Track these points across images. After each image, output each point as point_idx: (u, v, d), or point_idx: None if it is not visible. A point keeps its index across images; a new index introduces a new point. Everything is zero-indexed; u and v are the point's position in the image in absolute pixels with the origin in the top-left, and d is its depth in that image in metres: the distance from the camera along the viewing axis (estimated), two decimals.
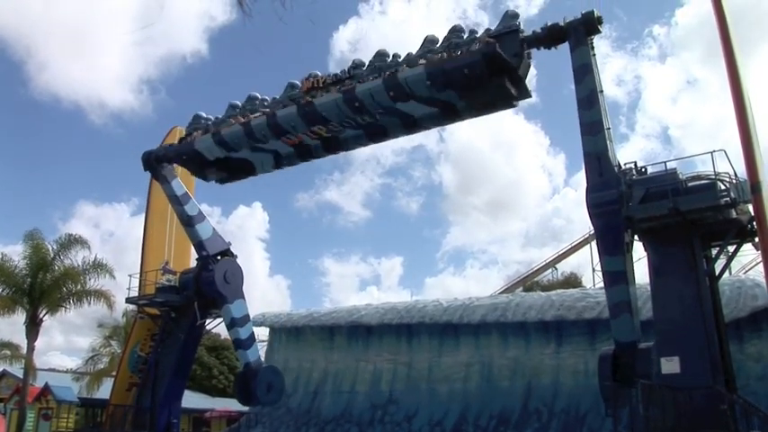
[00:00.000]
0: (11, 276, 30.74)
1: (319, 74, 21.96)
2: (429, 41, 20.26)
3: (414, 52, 20.24)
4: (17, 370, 36.76)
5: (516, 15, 19.28)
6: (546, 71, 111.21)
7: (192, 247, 26.62)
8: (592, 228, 19.18)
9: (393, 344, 31.17)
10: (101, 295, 31.65)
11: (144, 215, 30.23)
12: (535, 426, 25.39)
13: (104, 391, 33.36)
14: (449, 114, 20.78)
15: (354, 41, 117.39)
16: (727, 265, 18.02)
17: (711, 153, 17.24)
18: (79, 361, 44.35)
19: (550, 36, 18.73)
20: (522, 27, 18.88)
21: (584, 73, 18.07)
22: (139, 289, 27.54)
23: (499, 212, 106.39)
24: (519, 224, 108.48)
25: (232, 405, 44.96)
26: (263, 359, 38.52)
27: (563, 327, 26.49)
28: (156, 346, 26.93)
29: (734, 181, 16.81)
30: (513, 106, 20.40)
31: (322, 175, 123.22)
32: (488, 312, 28.44)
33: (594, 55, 18.35)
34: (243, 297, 24.90)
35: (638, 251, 18.53)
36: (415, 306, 31.62)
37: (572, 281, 50.79)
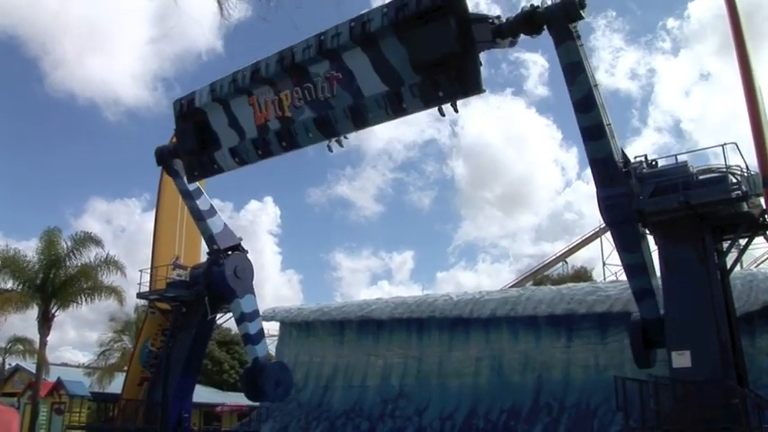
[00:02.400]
0: (24, 272, 30.95)
1: None
2: None
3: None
4: (30, 365, 37.09)
5: None
6: (558, 63, 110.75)
7: (203, 242, 26.70)
8: (603, 222, 19.15)
9: (403, 338, 31.18)
10: (112, 291, 31.86)
11: (154, 211, 30.35)
12: (546, 420, 25.36)
13: (116, 385, 33.57)
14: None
15: None
16: (738, 259, 17.95)
17: (723, 146, 17.13)
18: (91, 356, 44.57)
19: (526, 25, 16.22)
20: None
21: (576, 72, 16.57)
22: (150, 284, 27.65)
23: (511, 206, 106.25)
24: (531, 218, 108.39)
25: (243, 400, 45.04)
26: (273, 354, 38.70)
27: (573, 321, 26.42)
28: (166, 341, 27.02)
29: (745, 174, 16.72)
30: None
31: (334, 170, 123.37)
32: (498, 306, 28.39)
33: (582, 45, 16.60)
34: (253, 292, 24.96)
35: (650, 244, 18.49)
36: (425, 300, 31.60)
37: (582, 275, 50.63)
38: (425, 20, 15.02)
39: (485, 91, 15.90)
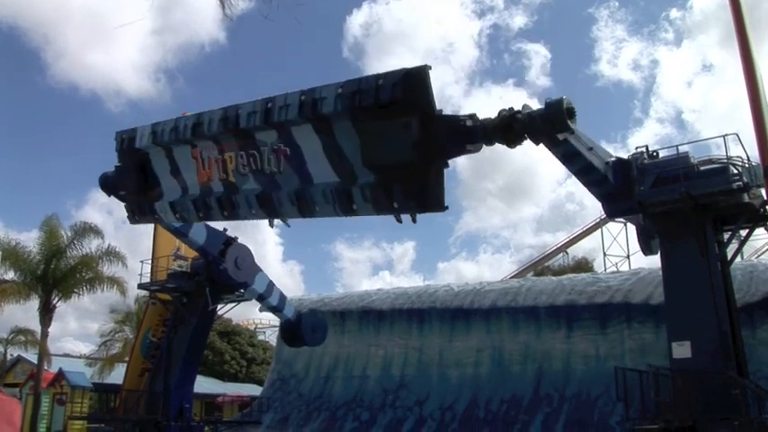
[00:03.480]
0: (25, 263, 30.96)
1: None
2: None
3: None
4: (32, 355, 37.16)
5: None
6: (560, 54, 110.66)
7: None
8: (603, 214, 19.13)
9: (404, 329, 31.23)
10: (113, 282, 31.88)
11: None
12: (546, 410, 25.42)
13: (117, 376, 33.64)
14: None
15: (367, 26, 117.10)
16: (739, 250, 17.98)
17: (724, 137, 17.13)
18: (93, 346, 44.68)
19: (504, 133, 15.11)
20: None
21: (572, 158, 16.33)
22: (151, 275, 27.62)
23: (513, 197, 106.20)
24: (532, 209, 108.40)
25: (244, 390, 45.37)
26: (274, 344, 38.80)
27: (574, 311, 26.45)
28: (168, 332, 27.04)
29: (746, 165, 16.72)
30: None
31: None
32: (499, 297, 28.44)
33: (574, 132, 15.90)
34: (259, 270, 25.04)
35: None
36: (426, 291, 31.65)
37: (583, 265, 50.70)
38: (383, 114, 13.45)
39: (447, 208, 14.71)
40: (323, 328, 25.90)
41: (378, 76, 11.38)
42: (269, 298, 25.05)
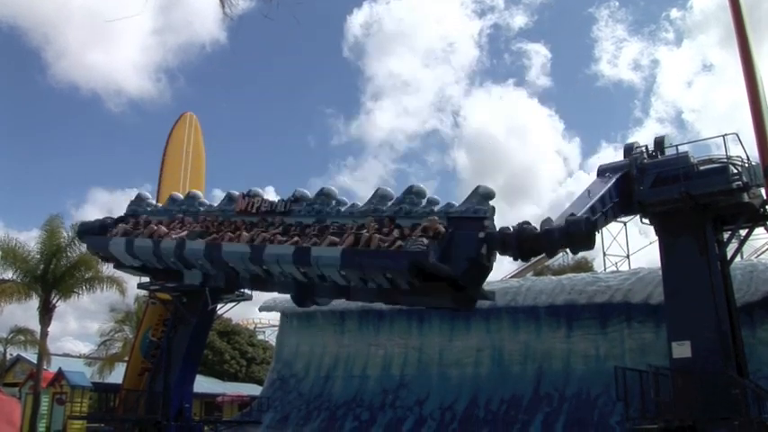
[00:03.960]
0: (25, 262, 30.96)
1: (261, 193, 19.70)
2: (379, 196, 17.15)
3: (361, 202, 17.55)
4: (31, 355, 37.15)
5: (489, 196, 15.82)
6: (560, 53, 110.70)
7: None
8: None
9: (404, 328, 31.20)
10: (113, 281, 31.88)
11: (155, 201, 30.30)
12: (546, 410, 25.42)
13: (117, 375, 33.65)
14: (384, 296, 16.83)
15: (368, 25, 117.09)
16: (738, 249, 17.98)
17: (723, 136, 17.13)
18: (93, 346, 44.66)
19: (522, 250, 15.13)
20: (490, 214, 15.49)
21: None
22: None
23: (513, 197, 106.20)
24: (533, 209, 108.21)
25: (244, 389, 45.39)
26: (274, 344, 38.74)
27: (574, 311, 26.43)
28: (167, 332, 27.06)
29: (746, 164, 16.72)
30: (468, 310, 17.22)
31: (335, 160, 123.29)
32: (499, 297, 28.20)
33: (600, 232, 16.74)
34: None
35: (650, 234, 18.52)
36: None
37: (583, 265, 50.59)
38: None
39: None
40: None
41: (383, 267, 14.88)
42: None
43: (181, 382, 25.87)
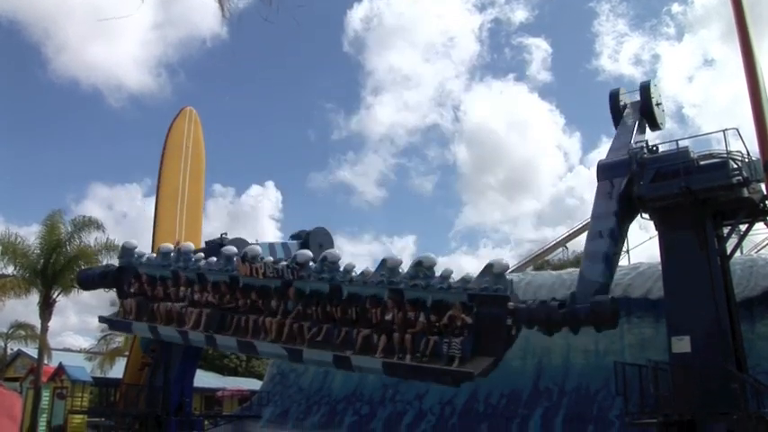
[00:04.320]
0: (25, 257, 30.97)
1: (258, 252, 20.38)
2: (389, 269, 17.79)
3: (370, 269, 18.36)
4: (32, 350, 37.20)
5: (504, 270, 16.75)
6: (561, 48, 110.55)
7: (203, 228, 26.75)
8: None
9: None
10: None
11: (155, 196, 30.35)
12: (545, 405, 25.49)
13: (118, 370, 33.70)
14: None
15: (368, 20, 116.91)
16: (738, 245, 17.94)
17: (724, 131, 17.10)
18: (93, 341, 44.77)
19: (549, 327, 16.25)
20: (510, 291, 16.29)
21: None
22: None
23: (513, 192, 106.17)
24: (533, 203, 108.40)
25: (244, 384, 45.43)
26: None
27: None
28: None
29: (746, 159, 16.69)
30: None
31: (336, 155, 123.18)
32: None
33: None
34: None
35: (650, 229, 18.53)
36: None
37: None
38: None
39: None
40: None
41: (430, 373, 16.56)
42: None
43: (181, 377, 25.90)
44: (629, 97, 22.00)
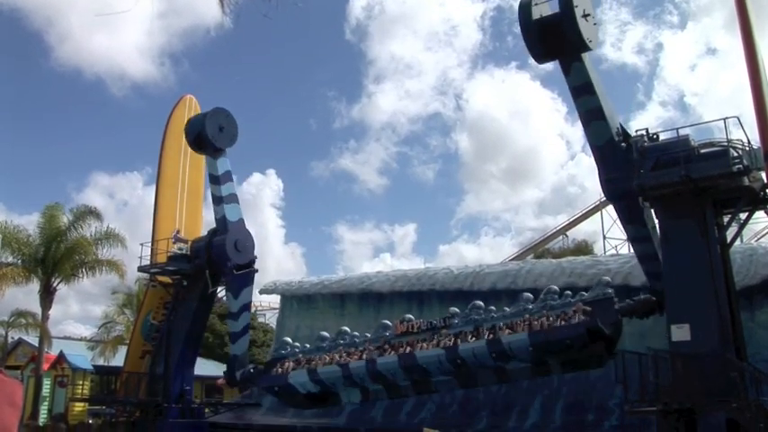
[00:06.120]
0: (26, 246, 31.00)
1: (412, 319, 22.94)
2: (524, 300, 21.10)
3: (507, 309, 21.45)
4: (33, 338, 37.24)
5: (608, 283, 20.09)
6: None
7: (204, 216, 26.77)
8: (603, 196, 19.21)
9: (404, 311, 31.04)
10: (112, 265, 31.92)
11: (155, 184, 30.33)
12: (545, 392, 25.52)
13: (119, 358, 33.76)
14: (541, 370, 20.97)
15: (370, 8, 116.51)
16: (738, 233, 17.99)
17: (724, 120, 17.07)
18: (95, 329, 44.80)
19: (643, 308, 19.49)
20: (614, 294, 19.42)
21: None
22: (151, 257, 27.65)
23: (515, 180, 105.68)
24: (534, 192, 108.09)
25: None
26: (274, 326, 38.81)
27: (574, 294, 26.46)
28: (168, 315, 27.13)
29: (747, 148, 16.67)
30: (602, 366, 20.30)
31: (337, 143, 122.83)
32: (499, 279, 28.44)
33: None
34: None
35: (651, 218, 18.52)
36: (425, 273, 31.66)
37: (583, 248, 50.75)
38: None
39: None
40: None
41: (566, 337, 18.93)
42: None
43: (181, 365, 25.98)
44: (549, 7, 18.77)
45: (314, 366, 23.28)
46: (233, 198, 25.76)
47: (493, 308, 21.64)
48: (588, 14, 17.94)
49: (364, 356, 22.37)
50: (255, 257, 26.15)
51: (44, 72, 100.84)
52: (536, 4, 18.45)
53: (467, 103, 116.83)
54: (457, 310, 22.17)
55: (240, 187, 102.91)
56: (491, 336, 20.31)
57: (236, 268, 25.14)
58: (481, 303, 22.04)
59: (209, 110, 26.28)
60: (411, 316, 23.48)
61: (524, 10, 18.53)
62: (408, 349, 21.52)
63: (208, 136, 24.94)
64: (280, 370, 24.08)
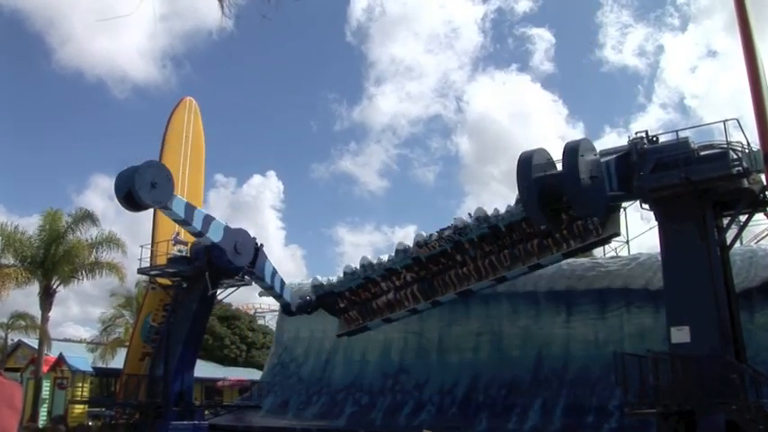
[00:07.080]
0: (26, 248, 31.00)
1: (423, 234, 25.66)
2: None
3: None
4: (32, 340, 37.21)
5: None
6: (565, 39, 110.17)
7: None
8: None
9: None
10: (112, 267, 31.92)
11: None
12: (545, 395, 25.52)
13: (118, 360, 33.74)
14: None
15: (371, 10, 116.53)
16: (738, 235, 17.96)
17: (724, 122, 17.08)
18: (95, 331, 44.78)
19: None
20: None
21: None
22: (151, 259, 27.67)
23: (516, 182, 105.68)
24: None
25: (244, 374, 45.47)
26: (274, 328, 38.76)
27: (573, 296, 26.49)
28: (168, 317, 27.12)
29: (746, 150, 16.68)
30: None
31: (338, 146, 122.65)
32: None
33: None
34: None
35: (651, 220, 18.52)
36: None
37: None
38: None
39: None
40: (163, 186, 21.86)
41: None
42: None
43: (181, 367, 25.96)
44: None
45: (388, 316, 26.74)
46: (208, 221, 23.68)
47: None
48: None
49: (418, 293, 25.76)
50: (260, 245, 25.99)
51: (45, 74, 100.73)
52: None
53: (467, 106, 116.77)
54: (464, 218, 24.82)
55: (240, 189, 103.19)
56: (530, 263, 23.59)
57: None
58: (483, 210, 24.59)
59: (140, 164, 22.08)
60: (423, 234, 25.82)
61: None
62: (453, 275, 25.02)
63: (140, 197, 21.07)
64: (348, 319, 27.91)
